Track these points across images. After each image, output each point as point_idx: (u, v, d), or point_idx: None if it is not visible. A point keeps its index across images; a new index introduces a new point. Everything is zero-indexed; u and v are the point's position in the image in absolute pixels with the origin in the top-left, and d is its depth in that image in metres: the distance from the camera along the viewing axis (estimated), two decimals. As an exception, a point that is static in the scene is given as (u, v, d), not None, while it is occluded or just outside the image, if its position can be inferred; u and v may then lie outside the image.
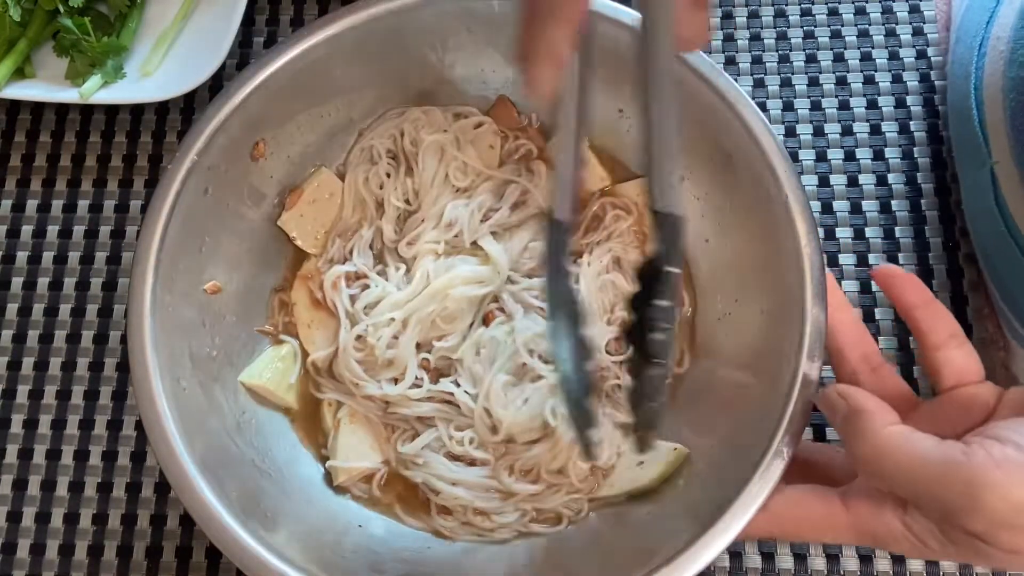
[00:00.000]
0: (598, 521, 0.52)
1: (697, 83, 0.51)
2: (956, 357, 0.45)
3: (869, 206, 0.61)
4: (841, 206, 0.61)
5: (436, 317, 0.54)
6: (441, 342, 0.54)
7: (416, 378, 0.53)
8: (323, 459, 0.54)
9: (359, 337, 0.54)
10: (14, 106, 0.67)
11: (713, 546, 0.42)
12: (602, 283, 0.55)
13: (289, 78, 0.52)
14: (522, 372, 0.53)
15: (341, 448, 0.53)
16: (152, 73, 0.63)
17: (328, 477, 0.54)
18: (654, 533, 0.47)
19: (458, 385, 0.53)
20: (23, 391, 0.60)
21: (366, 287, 0.55)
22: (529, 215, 0.58)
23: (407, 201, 0.58)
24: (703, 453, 0.50)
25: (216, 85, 0.65)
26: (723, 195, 0.54)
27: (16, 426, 0.59)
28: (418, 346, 0.54)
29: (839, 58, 0.65)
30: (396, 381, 0.53)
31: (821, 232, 0.60)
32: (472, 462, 0.53)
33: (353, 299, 0.55)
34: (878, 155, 0.62)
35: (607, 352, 0.54)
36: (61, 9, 0.63)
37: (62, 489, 0.58)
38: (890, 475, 0.39)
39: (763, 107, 0.63)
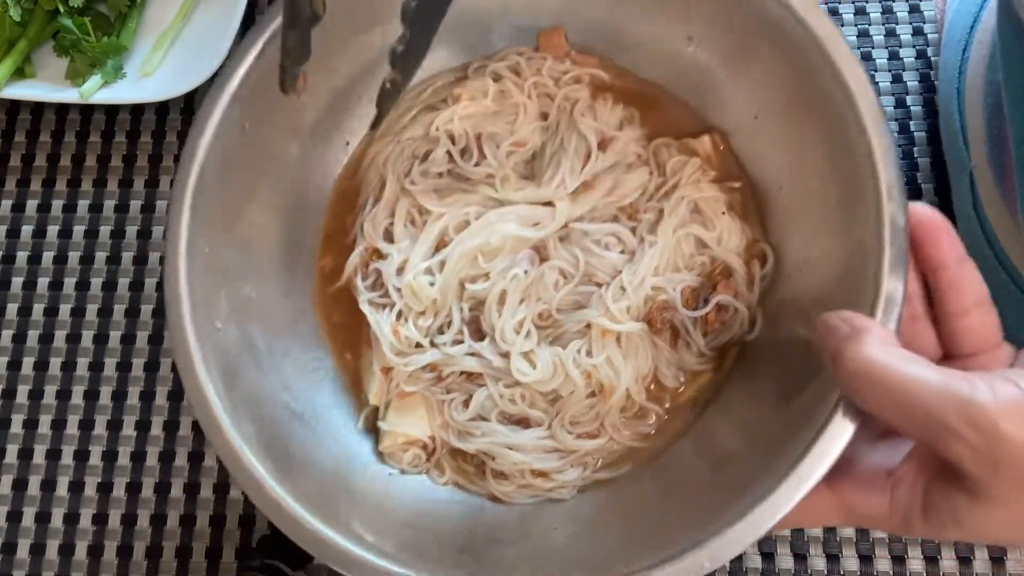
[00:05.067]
0: (651, 484, 0.49)
1: (792, 23, 0.46)
2: (977, 325, 0.41)
3: (869, 206, 0.61)
4: (841, 206, 0.61)
5: (478, 252, 0.51)
6: (474, 284, 0.51)
7: (458, 332, 0.51)
8: (361, 408, 0.53)
9: (400, 314, 0.51)
10: (14, 106, 0.67)
11: (763, 522, 0.38)
12: (677, 240, 0.51)
13: (332, 4, 0.47)
14: (546, 322, 0.51)
15: (392, 414, 0.51)
16: (152, 73, 0.63)
17: (366, 427, 0.52)
18: (707, 501, 0.44)
19: (492, 341, 0.50)
20: (23, 391, 0.60)
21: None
22: (616, 157, 0.54)
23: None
24: (762, 421, 0.46)
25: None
26: (799, 139, 0.49)
27: (16, 426, 0.59)
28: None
29: (839, 58, 0.65)
30: (441, 330, 0.51)
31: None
32: (527, 423, 0.50)
33: (375, 284, 0.53)
34: (878, 155, 0.62)
35: (684, 307, 0.51)
36: (61, 9, 0.63)
37: (62, 489, 0.58)
38: (881, 389, 0.36)
39: (763, 107, 0.63)
